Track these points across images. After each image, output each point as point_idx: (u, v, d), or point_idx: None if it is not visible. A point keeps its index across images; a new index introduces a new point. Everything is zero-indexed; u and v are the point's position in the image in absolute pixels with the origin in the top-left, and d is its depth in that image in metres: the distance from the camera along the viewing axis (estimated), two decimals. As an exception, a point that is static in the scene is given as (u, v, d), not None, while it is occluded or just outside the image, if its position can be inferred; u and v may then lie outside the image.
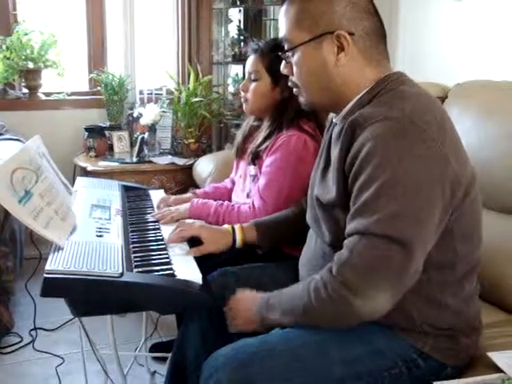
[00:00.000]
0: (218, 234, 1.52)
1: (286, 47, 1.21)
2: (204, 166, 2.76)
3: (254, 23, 3.52)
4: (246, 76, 1.84)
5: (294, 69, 1.20)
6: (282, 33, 1.21)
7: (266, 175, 1.70)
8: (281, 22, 1.21)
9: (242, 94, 1.84)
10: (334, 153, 1.15)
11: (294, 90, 1.25)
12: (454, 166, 1.03)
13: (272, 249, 1.58)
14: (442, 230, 1.06)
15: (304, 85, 1.20)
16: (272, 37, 3.44)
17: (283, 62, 1.24)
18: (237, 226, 1.54)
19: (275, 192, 1.67)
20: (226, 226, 1.56)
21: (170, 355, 1.48)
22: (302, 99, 1.24)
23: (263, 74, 1.77)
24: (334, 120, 1.26)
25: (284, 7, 1.20)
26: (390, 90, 1.11)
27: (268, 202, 1.67)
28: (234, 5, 3.35)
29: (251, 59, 1.80)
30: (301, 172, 1.64)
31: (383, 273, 0.99)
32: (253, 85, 1.79)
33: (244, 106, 1.86)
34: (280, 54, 1.23)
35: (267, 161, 1.71)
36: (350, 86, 1.15)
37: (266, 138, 1.74)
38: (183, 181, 2.98)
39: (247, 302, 1.26)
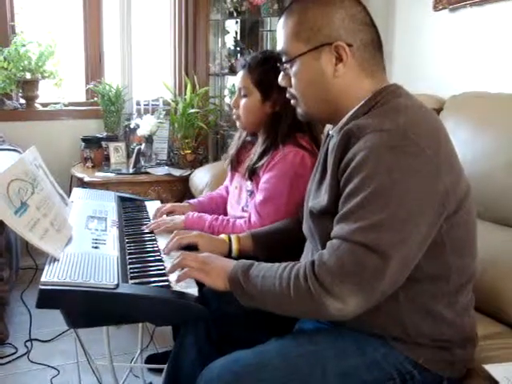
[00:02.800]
0: (215, 242, 1.52)
1: (284, 59, 1.21)
2: (200, 177, 2.77)
3: (251, 34, 3.54)
4: (237, 92, 1.82)
5: (293, 80, 1.21)
6: (280, 45, 1.22)
7: (263, 191, 1.69)
8: (279, 35, 1.22)
9: (234, 110, 1.82)
10: (330, 163, 1.16)
11: (292, 101, 1.25)
12: (445, 180, 1.04)
13: (269, 260, 1.57)
14: (434, 242, 1.06)
15: (302, 96, 1.21)
16: (268, 48, 3.46)
17: (281, 73, 1.25)
18: (233, 236, 1.54)
19: (272, 208, 1.67)
20: (223, 236, 1.55)
21: (165, 367, 1.48)
22: (299, 110, 1.25)
23: (252, 90, 1.75)
24: (330, 132, 1.27)
25: (282, 19, 1.21)
26: (385, 103, 1.12)
27: (265, 217, 1.67)
28: (230, 16, 3.36)
29: (240, 75, 1.79)
30: (298, 188, 1.62)
31: (356, 278, 1.00)
32: (243, 101, 1.78)
33: (237, 123, 1.84)
34: (278, 65, 1.24)
35: (264, 177, 1.70)
36: (348, 97, 1.16)
37: (262, 155, 1.73)
38: (180, 192, 2.99)
39: (222, 260, 1.26)
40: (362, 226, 1.00)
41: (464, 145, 1.74)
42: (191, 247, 1.48)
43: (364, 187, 1.02)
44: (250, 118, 1.78)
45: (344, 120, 1.17)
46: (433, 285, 1.11)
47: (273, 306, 1.12)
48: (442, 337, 1.13)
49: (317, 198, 1.22)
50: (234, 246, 1.52)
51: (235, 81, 1.86)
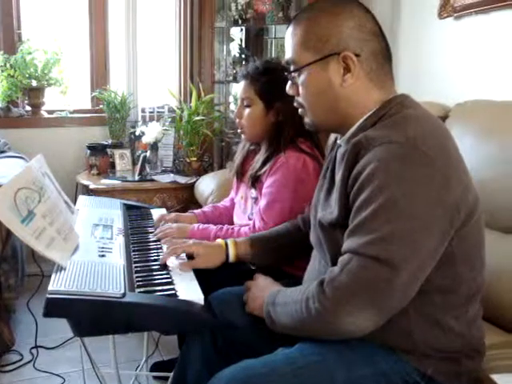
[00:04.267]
0: (211, 249, 1.52)
1: (292, 68, 1.22)
2: (206, 185, 2.77)
3: (256, 42, 3.55)
4: (239, 102, 1.84)
5: (300, 89, 1.21)
6: (288, 54, 1.22)
7: (266, 196, 1.71)
8: (287, 44, 1.22)
9: (237, 120, 1.84)
10: (339, 174, 1.16)
11: (300, 110, 1.25)
12: (455, 191, 1.04)
13: (269, 266, 1.57)
14: (444, 253, 1.06)
15: (310, 105, 1.21)
16: (273, 55, 3.47)
17: (289, 82, 1.25)
18: (230, 241, 1.54)
19: (276, 213, 1.68)
20: (220, 241, 1.55)
21: (171, 375, 1.48)
22: (307, 120, 1.25)
23: (255, 100, 1.77)
24: (338, 141, 1.27)
25: (290, 29, 1.21)
26: (394, 114, 1.12)
27: (269, 222, 1.68)
28: (235, 24, 3.37)
29: (241, 85, 1.81)
30: (300, 192, 1.65)
31: (369, 293, 1.00)
32: (246, 111, 1.79)
33: (243, 136, 1.87)
34: (286, 74, 1.24)
35: (267, 182, 1.72)
36: (356, 107, 1.16)
37: (264, 162, 1.75)
38: (185, 199, 2.98)
39: (262, 290, 1.30)
40: (373, 238, 1.00)
41: (469, 153, 1.72)
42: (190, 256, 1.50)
43: (374, 199, 1.01)
44: (254, 129, 1.80)
45: (352, 130, 1.17)
46: (442, 297, 1.11)
47: (297, 331, 1.14)
48: (450, 348, 1.12)
49: (326, 209, 1.21)
50: (231, 252, 1.52)
51: (237, 91, 1.87)
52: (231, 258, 1.52)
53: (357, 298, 1.00)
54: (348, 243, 1.05)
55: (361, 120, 1.16)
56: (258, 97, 1.77)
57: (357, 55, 1.13)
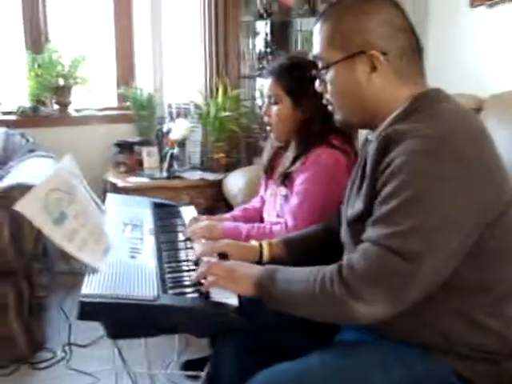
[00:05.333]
0: (245, 250, 1.50)
1: (320, 65, 1.20)
2: (234, 182, 2.75)
3: (281, 36, 3.52)
4: (266, 100, 1.81)
5: (328, 87, 1.19)
6: (315, 50, 1.20)
7: (298, 194, 1.68)
8: (315, 40, 1.20)
9: (266, 118, 1.82)
10: (368, 169, 1.14)
11: (329, 107, 1.24)
12: (484, 189, 1.02)
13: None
14: (474, 250, 1.03)
15: (338, 103, 1.20)
16: (299, 49, 3.43)
17: (317, 79, 1.23)
18: (264, 242, 1.52)
19: (308, 210, 1.65)
20: (254, 243, 1.54)
21: (202, 374, 1.47)
22: (337, 117, 1.23)
23: (283, 97, 1.74)
24: (369, 137, 1.24)
25: (318, 25, 1.19)
26: (426, 108, 1.09)
27: (301, 221, 1.65)
28: (260, 17, 3.34)
29: (268, 82, 1.78)
30: (333, 189, 1.61)
31: (385, 284, 0.99)
32: (274, 108, 1.77)
33: (272, 134, 1.84)
34: (314, 71, 1.23)
35: (298, 179, 1.69)
36: (385, 104, 1.14)
37: (295, 160, 1.72)
38: (213, 196, 2.96)
39: (248, 267, 1.26)
40: (395, 231, 0.99)
41: (505, 147, 1.65)
42: (221, 255, 1.47)
43: (399, 192, 1.00)
44: (282, 126, 1.77)
45: (383, 126, 1.15)
46: (476, 294, 1.08)
47: (300, 310, 1.12)
48: (487, 348, 1.09)
49: (355, 205, 1.19)
50: (266, 253, 1.50)
51: (263, 88, 1.86)
52: (265, 258, 1.50)
53: (373, 287, 1.00)
54: (369, 233, 1.05)
55: (392, 115, 1.14)
56: (285, 93, 1.74)
57: (384, 53, 1.11)
